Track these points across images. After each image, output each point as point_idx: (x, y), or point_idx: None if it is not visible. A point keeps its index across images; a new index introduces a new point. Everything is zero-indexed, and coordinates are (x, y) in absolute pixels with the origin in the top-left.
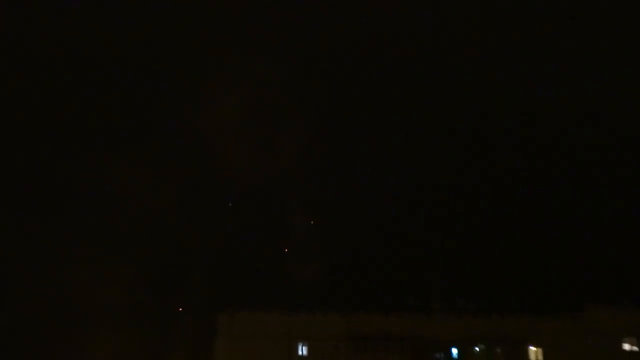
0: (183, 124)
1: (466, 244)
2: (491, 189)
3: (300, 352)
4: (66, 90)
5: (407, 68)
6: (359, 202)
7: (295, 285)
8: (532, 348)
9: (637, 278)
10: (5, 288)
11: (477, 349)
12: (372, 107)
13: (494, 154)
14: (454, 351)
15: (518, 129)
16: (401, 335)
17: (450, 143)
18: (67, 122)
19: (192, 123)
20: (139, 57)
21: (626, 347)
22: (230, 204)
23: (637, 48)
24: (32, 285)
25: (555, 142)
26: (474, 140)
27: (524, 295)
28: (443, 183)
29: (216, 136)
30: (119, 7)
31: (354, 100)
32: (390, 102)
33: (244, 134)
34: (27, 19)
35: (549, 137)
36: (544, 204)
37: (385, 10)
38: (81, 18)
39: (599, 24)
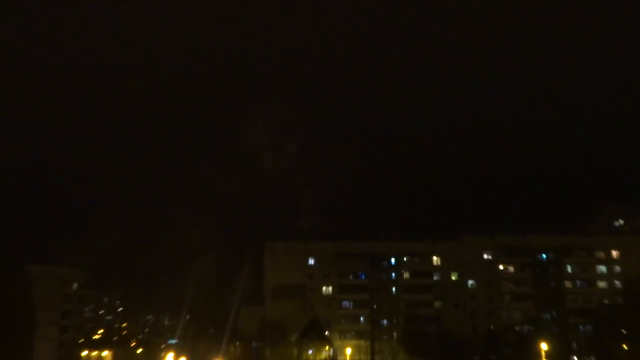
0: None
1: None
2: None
3: (310, 262)
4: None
5: None
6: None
7: (306, 226)
8: (434, 257)
9: (492, 219)
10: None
11: (405, 259)
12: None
13: None
14: (392, 260)
15: None
16: (364, 252)
17: None
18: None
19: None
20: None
21: (486, 256)
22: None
23: None
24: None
25: None
26: None
27: (431, 228)
28: None
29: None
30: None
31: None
32: None
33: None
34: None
35: None
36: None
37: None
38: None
39: None
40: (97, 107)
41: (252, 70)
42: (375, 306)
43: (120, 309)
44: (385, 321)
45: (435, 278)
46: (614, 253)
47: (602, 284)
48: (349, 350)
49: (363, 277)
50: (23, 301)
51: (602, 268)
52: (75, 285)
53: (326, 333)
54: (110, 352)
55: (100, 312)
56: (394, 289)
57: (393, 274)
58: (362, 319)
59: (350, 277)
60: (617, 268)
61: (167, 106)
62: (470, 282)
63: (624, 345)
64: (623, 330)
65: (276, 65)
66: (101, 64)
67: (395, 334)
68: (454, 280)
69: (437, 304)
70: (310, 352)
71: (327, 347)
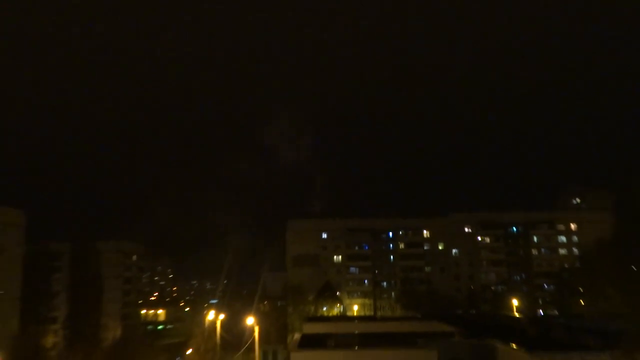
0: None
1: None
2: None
3: (323, 236)
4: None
5: None
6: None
7: (320, 207)
8: (425, 231)
9: (472, 199)
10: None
11: (400, 232)
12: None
13: None
14: (390, 233)
15: None
16: (367, 227)
17: None
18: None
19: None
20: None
21: (467, 229)
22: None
23: None
24: None
25: None
26: None
27: (421, 207)
28: None
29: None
30: None
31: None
32: None
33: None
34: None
35: None
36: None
37: None
38: None
39: None
40: (157, 112)
41: (272, 73)
42: (376, 271)
43: (171, 275)
44: (385, 283)
45: (425, 248)
46: (572, 226)
47: (562, 251)
48: (355, 307)
49: (366, 247)
50: (94, 271)
51: (563, 238)
52: (134, 257)
53: (337, 293)
54: (164, 311)
55: (155, 278)
56: (391, 257)
57: (391, 245)
58: (366, 281)
59: (356, 247)
60: (575, 238)
61: (207, 111)
62: (454, 250)
63: (581, 301)
64: (580, 289)
65: (292, 66)
66: (164, 72)
67: (393, 293)
68: (440, 250)
69: (427, 269)
70: (324, 308)
71: (338, 305)
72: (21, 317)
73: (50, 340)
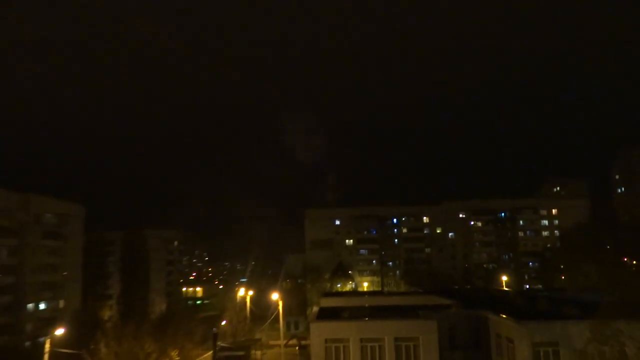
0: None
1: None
2: None
3: (336, 223)
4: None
5: None
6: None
7: (332, 198)
8: (424, 217)
9: (465, 188)
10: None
11: (403, 218)
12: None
13: None
14: (395, 220)
15: None
16: (374, 214)
17: None
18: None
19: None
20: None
21: (461, 215)
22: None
23: None
24: None
25: None
26: None
27: (421, 196)
28: None
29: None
30: None
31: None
32: None
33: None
34: None
35: None
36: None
37: None
38: None
39: None
40: (191, 118)
41: (290, 75)
42: (383, 253)
43: (207, 258)
44: (390, 263)
45: (425, 232)
46: (554, 211)
47: (545, 233)
48: (365, 284)
49: (374, 232)
50: (142, 254)
51: (545, 222)
52: (175, 242)
53: (349, 272)
54: (201, 288)
55: (193, 261)
56: (396, 240)
57: (395, 230)
58: (374, 262)
59: (365, 232)
60: (556, 222)
61: (234, 118)
62: (450, 234)
63: (562, 276)
64: (561, 265)
65: (310, 67)
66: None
67: (398, 271)
68: (438, 233)
69: (427, 250)
70: (338, 285)
71: (350, 282)
72: (82, 295)
73: (107, 314)
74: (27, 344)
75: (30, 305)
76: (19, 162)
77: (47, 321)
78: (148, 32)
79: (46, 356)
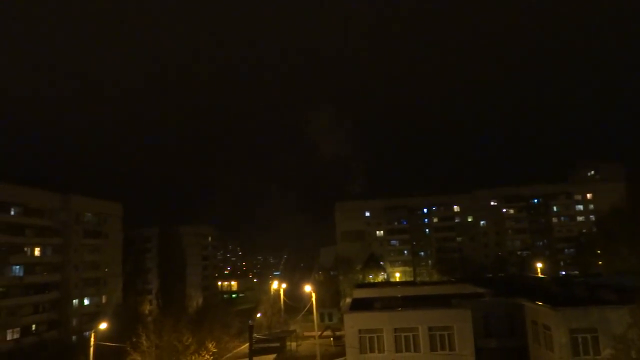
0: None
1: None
2: None
3: (366, 215)
4: None
5: None
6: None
7: (363, 190)
8: (455, 206)
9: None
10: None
11: (434, 208)
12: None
13: None
14: (425, 209)
15: None
16: (404, 205)
17: None
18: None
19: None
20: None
21: (492, 203)
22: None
23: None
24: None
25: None
26: None
27: (451, 185)
28: None
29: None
30: None
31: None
32: None
33: None
34: None
35: None
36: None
37: None
38: None
39: None
40: (223, 119)
41: (318, 74)
42: (414, 243)
43: (240, 252)
44: (422, 253)
45: (456, 220)
46: (588, 195)
47: (580, 218)
48: (397, 274)
49: (405, 222)
50: (178, 250)
51: (580, 207)
52: (210, 238)
53: (381, 263)
54: (236, 282)
55: (227, 255)
56: (427, 230)
57: (426, 220)
58: (405, 252)
59: (395, 223)
60: (591, 206)
61: (267, 118)
62: (482, 222)
63: (598, 261)
64: (597, 251)
65: (334, 70)
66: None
67: (429, 261)
68: (470, 221)
69: (459, 239)
70: (370, 276)
71: (382, 273)
72: (123, 290)
73: (146, 307)
74: (74, 338)
75: (75, 301)
76: (59, 164)
77: (91, 316)
78: (196, 42)
79: (92, 350)
